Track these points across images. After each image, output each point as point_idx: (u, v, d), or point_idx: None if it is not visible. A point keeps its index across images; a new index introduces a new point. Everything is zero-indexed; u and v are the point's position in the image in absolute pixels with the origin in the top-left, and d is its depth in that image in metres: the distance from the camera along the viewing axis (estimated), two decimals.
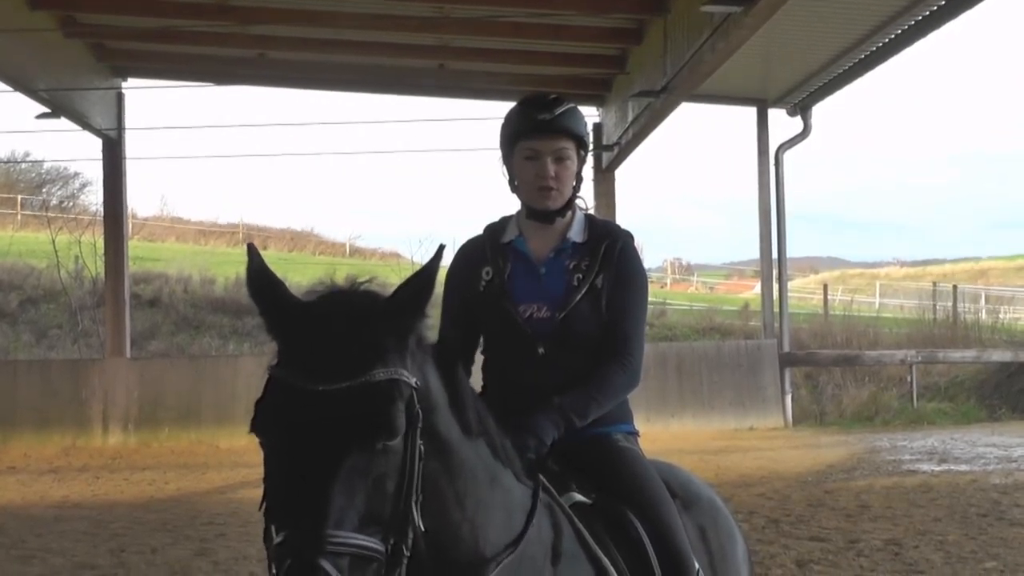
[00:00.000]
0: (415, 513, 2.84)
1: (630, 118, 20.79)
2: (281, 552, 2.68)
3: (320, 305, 2.93)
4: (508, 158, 4.06)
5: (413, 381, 2.87)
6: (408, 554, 2.84)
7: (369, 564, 2.72)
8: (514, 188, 4.07)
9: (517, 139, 4.00)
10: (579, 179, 4.07)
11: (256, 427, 2.84)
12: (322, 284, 3.01)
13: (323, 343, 2.82)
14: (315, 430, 2.73)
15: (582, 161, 4.06)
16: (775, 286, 24.22)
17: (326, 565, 2.62)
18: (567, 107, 3.99)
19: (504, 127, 4.05)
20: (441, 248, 3.01)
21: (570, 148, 3.98)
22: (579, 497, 3.69)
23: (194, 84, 26.24)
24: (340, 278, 3.01)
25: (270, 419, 2.82)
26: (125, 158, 24.43)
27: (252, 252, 3.01)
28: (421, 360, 3.03)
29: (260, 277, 2.98)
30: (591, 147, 4.15)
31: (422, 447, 2.87)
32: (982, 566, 10.22)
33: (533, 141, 3.96)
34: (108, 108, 23.86)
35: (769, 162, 24.11)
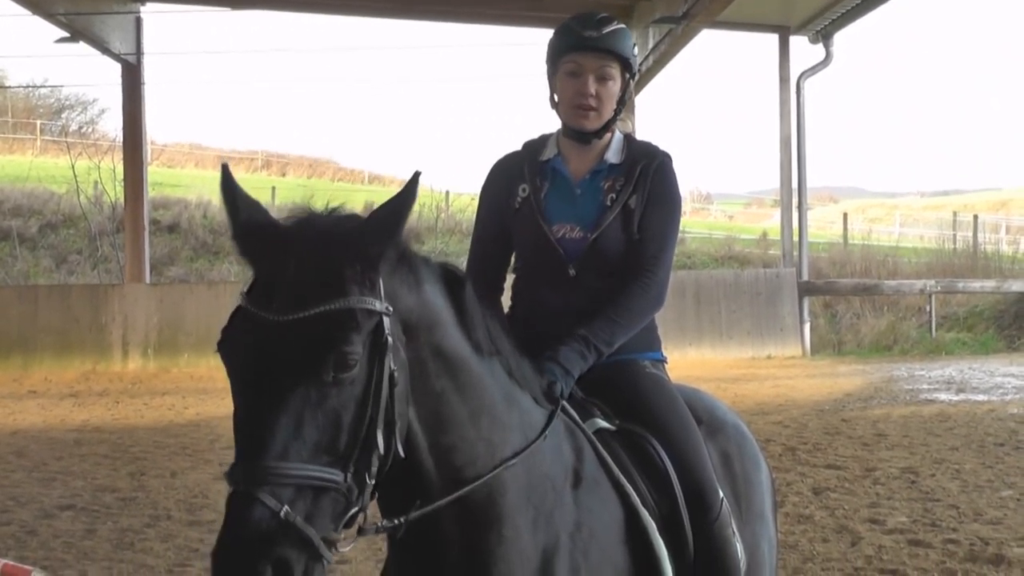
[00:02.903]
0: (380, 440, 2.78)
1: (651, 44, 20.66)
2: (228, 483, 2.67)
3: (287, 231, 2.85)
4: (552, 75, 3.99)
5: (380, 307, 2.78)
6: (373, 481, 2.80)
7: (323, 493, 2.68)
8: (554, 105, 4.00)
9: (562, 54, 3.92)
10: (622, 102, 3.98)
11: (219, 352, 2.80)
12: (300, 209, 2.93)
13: (284, 271, 2.76)
14: (266, 360, 2.70)
15: (626, 84, 3.97)
16: (794, 215, 24.13)
17: (264, 497, 2.59)
18: (616, 27, 3.90)
19: (551, 42, 3.97)
20: (417, 175, 2.87)
21: (614, 68, 3.90)
22: (602, 423, 3.65)
23: (212, 8, 26.03)
24: (318, 204, 2.92)
25: (228, 346, 2.78)
26: (144, 83, 24.37)
27: (225, 173, 2.91)
28: (412, 279, 2.98)
29: (231, 200, 2.89)
30: (637, 71, 4.04)
31: (395, 373, 2.81)
32: (998, 495, 10.22)
33: (578, 56, 3.89)
34: (127, 33, 23.78)
35: (790, 90, 23.99)
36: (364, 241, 2.78)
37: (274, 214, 2.97)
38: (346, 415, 2.72)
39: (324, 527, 2.68)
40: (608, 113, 3.93)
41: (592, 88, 3.88)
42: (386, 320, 2.80)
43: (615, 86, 3.92)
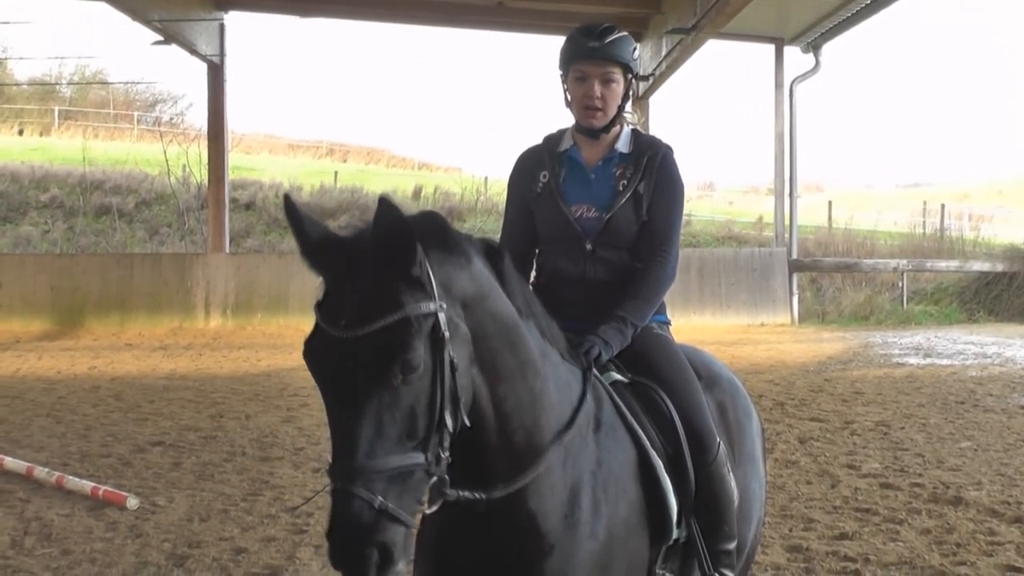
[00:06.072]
0: (448, 419, 2.76)
1: (664, 52, 20.59)
2: (329, 479, 2.67)
3: (345, 246, 2.79)
4: (564, 78, 3.98)
5: (433, 307, 2.72)
6: (447, 454, 2.78)
7: (410, 475, 2.68)
8: (568, 104, 3.99)
9: (570, 62, 3.91)
10: (625, 99, 3.97)
11: (305, 361, 2.78)
12: (360, 220, 2.86)
13: (344, 287, 2.73)
14: (342, 372, 2.68)
15: (629, 84, 3.96)
16: (786, 202, 24.05)
17: (359, 491, 2.59)
18: (616, 36, 3.88)
19: (562, 50, 3.96)
20: (382, 198, 2.69)
21: (616, 73, 3.89)
22: (617, 376, 3.66)
23: (284, 15, 26.07)
24: (371, 191, 2.82)
25: (311, 358, 2.76)
26: (225, 81, 24.40)
27: (287, 201, 2.83)
28: (462, 260, 2.92)
29: (296, 222, 2.81)
30: (639, 72, 4.02)
31: (454, 360, 2.78)
32: (958, 445, 10.18)
33: (583, 64, 3.88)
34: (212, 37, 23.80)
35: (784, 94, 23.88)
36: (391, 257, 2.69)
37: (331, 227, 2.89)
38: (419, 406, 2.70)
39: (412, 502, 2.69)
40: (613, 111, 3.92)
41: (598, 91, 3.87)
42: (441, 316, 2.75)
43: (618, 87, 3.91)
